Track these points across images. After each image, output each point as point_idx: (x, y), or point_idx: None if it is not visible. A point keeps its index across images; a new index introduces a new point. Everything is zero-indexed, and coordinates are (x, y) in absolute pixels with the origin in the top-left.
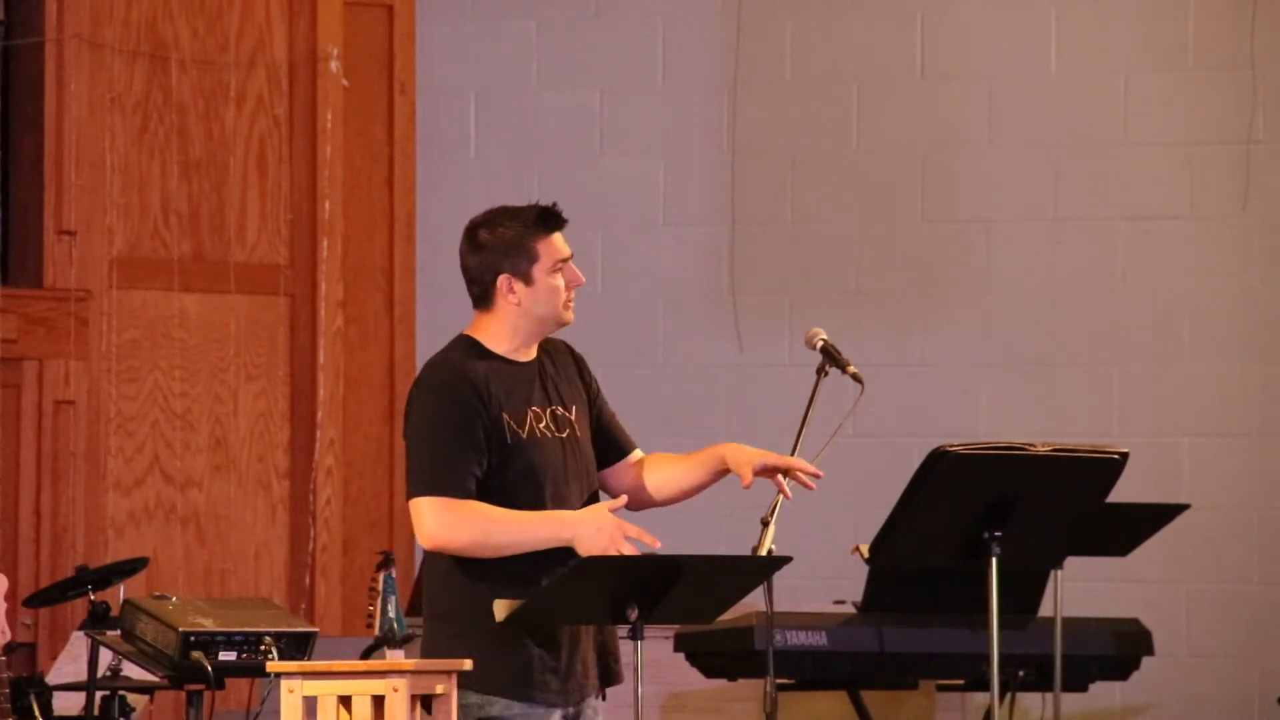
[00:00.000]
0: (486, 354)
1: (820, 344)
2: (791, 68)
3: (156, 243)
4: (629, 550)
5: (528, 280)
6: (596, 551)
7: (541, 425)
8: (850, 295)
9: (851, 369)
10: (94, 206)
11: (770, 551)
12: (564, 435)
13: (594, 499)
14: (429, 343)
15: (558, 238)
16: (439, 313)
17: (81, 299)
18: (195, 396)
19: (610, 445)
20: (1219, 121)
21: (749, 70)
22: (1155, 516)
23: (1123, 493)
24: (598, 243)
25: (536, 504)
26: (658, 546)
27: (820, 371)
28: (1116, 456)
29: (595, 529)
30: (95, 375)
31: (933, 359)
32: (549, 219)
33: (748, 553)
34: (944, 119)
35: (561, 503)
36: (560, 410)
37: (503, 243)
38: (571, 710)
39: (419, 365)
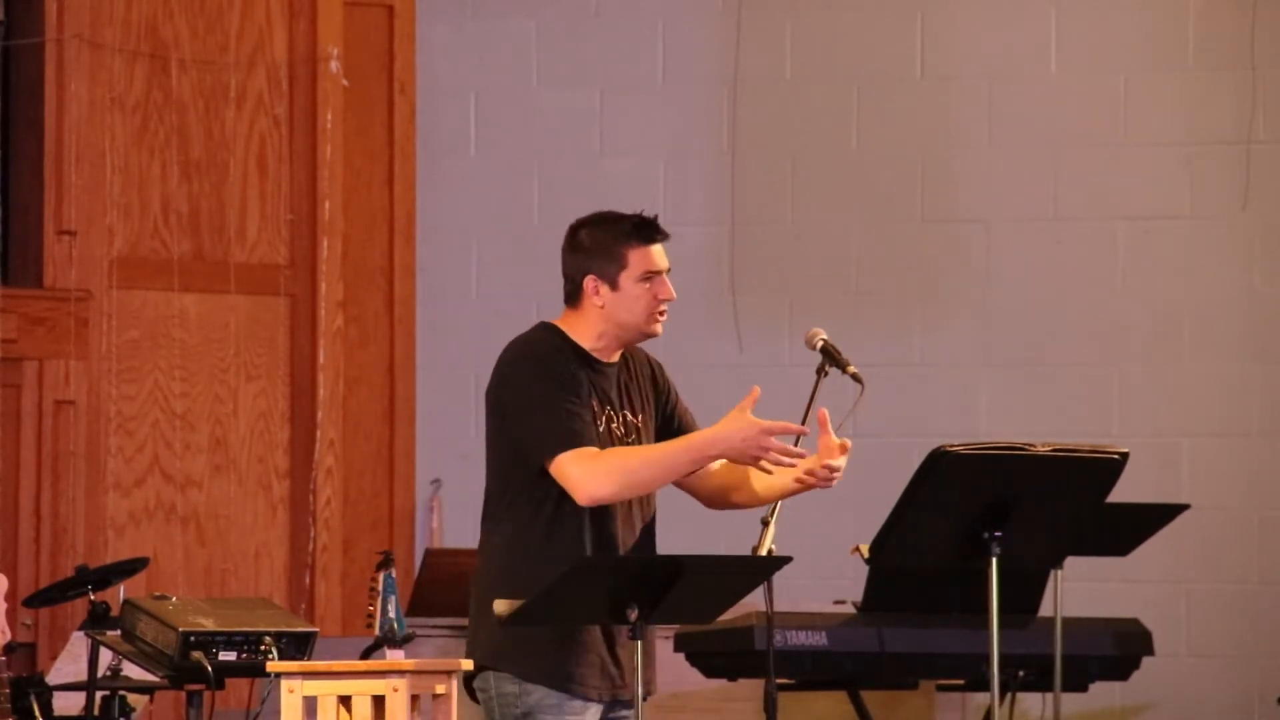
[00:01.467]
0: (572, 344)
1: (820, 344)
2: (791, 67)
3: (156, 243)
4: (775, 456)
5: (614, 285)
6: (747, 461)
7: (614, 426)
8: (850, 295)
9: (851, 369)
10: (94, 206)
11: (770, 551)
12: (630, 440)
13: (646, 508)
14: (429, 343)
15: (656, 249)
16: (439, 313)
17: (81, 299)
18: (195, 396)
19: None
20: (1219, 121)
21: (749, 70)
22: (1155, 516)
23: (1123, 493)
24: None
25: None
26: (805, 432)
27: (820, 371)
28: (1116, 456)
29: (741, 439)
30: (95, 375)
31: (933, 359)
32: (645, 230)
33: (748, 553)
34: (944, 119)
35: (612, 509)
36: (630, 416)
37: (596, 245)
38: (605, 708)
39: (419, 365)
